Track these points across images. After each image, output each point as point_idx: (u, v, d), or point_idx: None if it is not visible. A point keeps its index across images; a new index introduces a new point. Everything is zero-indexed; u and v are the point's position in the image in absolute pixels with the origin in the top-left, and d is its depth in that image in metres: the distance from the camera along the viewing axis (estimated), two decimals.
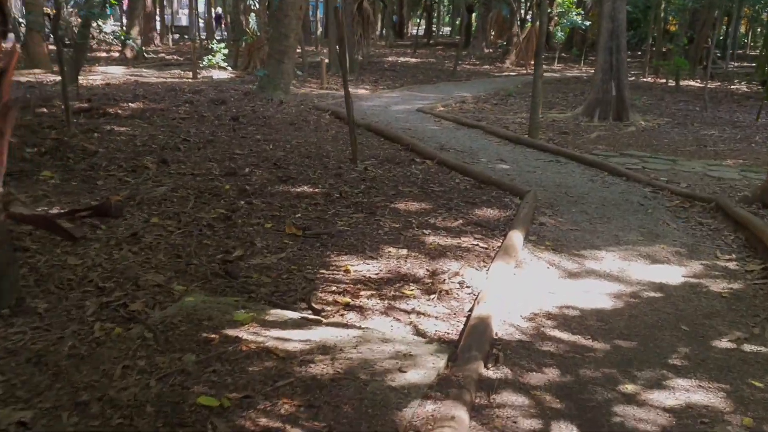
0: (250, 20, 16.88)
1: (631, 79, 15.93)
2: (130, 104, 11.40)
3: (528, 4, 31.19)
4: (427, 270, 4.50)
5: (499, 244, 5.09)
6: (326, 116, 11.38)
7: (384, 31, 37.85)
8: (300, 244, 4.84)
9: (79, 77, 14.09)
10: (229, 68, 18.19)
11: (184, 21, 39.92)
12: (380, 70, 21.48)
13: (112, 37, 18.25)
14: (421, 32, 41.16)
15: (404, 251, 4.84)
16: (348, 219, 5.53)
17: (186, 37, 31.78)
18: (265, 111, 11.52)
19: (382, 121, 11.19)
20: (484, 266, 4.65)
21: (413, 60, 26.76)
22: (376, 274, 4.39)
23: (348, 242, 4.97)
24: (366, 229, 5.29)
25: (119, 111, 10.47)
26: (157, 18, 29.46)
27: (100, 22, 12.93)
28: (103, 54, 22.18)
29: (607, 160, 8.71)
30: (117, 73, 17.27)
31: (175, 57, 22.46)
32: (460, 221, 5.70)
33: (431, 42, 39.05)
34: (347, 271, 4.39)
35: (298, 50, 17.28)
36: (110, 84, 14.43)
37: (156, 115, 10.43)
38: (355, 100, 13.88)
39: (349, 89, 8.07)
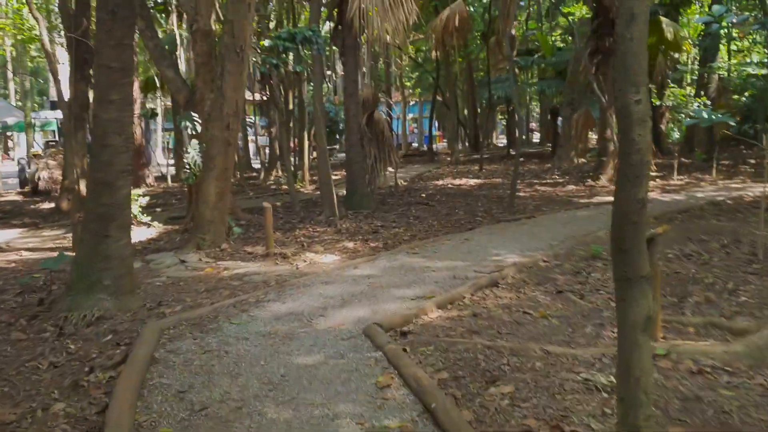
0: (189, 148, 10.74)
1: None
2: None
3: None
4: None
5: None
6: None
7: (447, 144, 31.57)
8: None
9: None
10: (156, 223, 12.03)
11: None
12: (407, 203, 14.67)
13: None
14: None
15: None
16: None
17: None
18: None
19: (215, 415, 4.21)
20: None
21: (473, 182, 19.86)
22: None
23: None
24: None
25: None
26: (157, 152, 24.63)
27: None
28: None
29: None
30: None
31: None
32: None
33: (512, 153, 32.11)
34: None
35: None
36: None
37: None
38: (269, 301, 6.97)
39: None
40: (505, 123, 47.68)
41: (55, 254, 8.77)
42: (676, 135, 23.81)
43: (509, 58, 14.78)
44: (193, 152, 11.00)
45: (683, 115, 19.59)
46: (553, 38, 30.86)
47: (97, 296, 6.39)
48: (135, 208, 11.71)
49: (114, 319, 6.22)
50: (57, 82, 10.01)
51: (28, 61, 40.71)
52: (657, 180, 17.95)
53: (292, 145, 22.65)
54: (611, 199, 12.58)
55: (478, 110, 35.16)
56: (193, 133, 11.34)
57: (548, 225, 11.14)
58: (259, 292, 7.09)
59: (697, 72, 26.00)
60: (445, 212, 13.25)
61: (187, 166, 11.40)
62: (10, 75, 39.67)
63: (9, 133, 37.92)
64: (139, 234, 11.49)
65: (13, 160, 38.89)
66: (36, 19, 11.22)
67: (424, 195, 16.33)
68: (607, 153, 18.20)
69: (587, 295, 6.76)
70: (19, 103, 34.18)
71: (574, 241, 9.42)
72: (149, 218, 11.92)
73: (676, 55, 26.85)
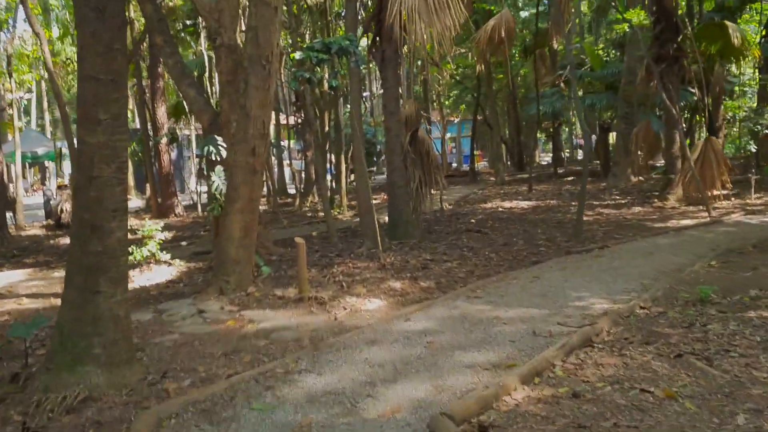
0: (213, 175, 9.43)
1: None
2: None
3: (693, 109, 22.15)
4: None
5: None
6: None
7: (488, 164, 30.02)
8: None
9: None
10: (178, 261, 10.74)
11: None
12: (456, 231, 13.15)
13: None
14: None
15: None
16: None
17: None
18: None
19: None
20: None
21: (524, 204, 18.25)
22: None
23: None
24: None
25: None
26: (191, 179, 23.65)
27: None
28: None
29: None
30: None
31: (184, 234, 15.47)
32: None
33: (559, 172, 30.25)
34: None
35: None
36: None
37: None
38: (301, 371, 5.27)
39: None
40: (544, 140, 45.95)
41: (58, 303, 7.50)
42: (744, 148, 21.87)
43: (572, 67, 13.24)
44: (217, 180, 9.70)
45: (759, 127, 17.70)
46: (597, 51, 29.14)
47: (84, 369, 5.01)
48: (152, 246, 10.45)
49: (103, 400, 4.83)
50: (60, 104, 8.82)
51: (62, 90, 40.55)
52: (733, 199, 16.14)
53: (328, 168, 21.34)
54: (689, 222, 10.62)
55: (521, 127, 33.60)
56: (218, 158, 10.05)
57: (628, 257, 9.49)
58: (289, 359, 5.63)
59: (756, 82, 24.02)
60: (501, 242, 11.68)
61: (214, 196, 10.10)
62: (45, 105, 39.57)
63: (46, 164, 37.52)
64: (157, 274, 10.19)
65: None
66: (37, 34, 10.12)
67: (474, 221, 14.79)
68: (675, 170, 16.43)
69: (716, 360, 5.14)
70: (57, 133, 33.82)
71: (670, 279, 7.78)
72: (169, 255, 10.62)
73: (729, 66, 24.93)
